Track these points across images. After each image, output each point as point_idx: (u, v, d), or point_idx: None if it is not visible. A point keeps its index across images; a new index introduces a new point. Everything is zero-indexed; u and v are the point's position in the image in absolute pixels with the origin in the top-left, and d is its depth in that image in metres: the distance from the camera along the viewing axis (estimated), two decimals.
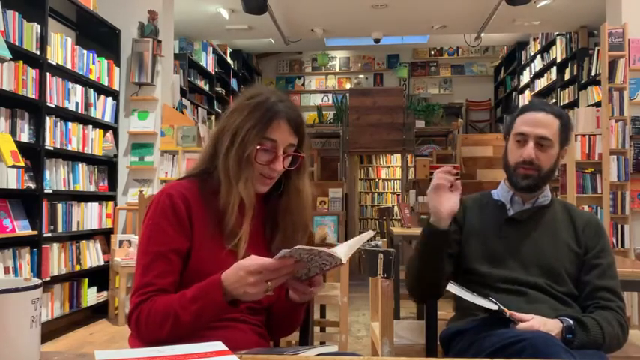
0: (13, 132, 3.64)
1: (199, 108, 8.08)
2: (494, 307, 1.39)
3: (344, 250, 1.13)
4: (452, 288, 1.48)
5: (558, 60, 7.76)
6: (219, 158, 1.29)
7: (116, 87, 4.99)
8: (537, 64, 8.64)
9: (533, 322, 1.42)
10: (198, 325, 1.17)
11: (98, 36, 4.92)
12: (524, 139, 1.63)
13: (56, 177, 4.18)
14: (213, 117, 8.51)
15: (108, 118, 4.90)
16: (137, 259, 1.26)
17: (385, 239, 3.36)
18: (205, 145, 1.39)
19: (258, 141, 1.27)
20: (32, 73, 3.80)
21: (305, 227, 1.36)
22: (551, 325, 1.43)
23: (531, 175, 1.62)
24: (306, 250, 1.09)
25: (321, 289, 1.27)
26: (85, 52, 4.54)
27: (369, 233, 1.23)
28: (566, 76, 7.62)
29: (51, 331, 4.03)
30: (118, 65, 5.03)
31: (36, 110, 3.88)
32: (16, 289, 0.75)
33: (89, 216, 4.59)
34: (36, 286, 0.78)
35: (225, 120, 1.33)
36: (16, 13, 3.66)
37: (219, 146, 1.30)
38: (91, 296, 4.54)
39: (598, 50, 5.67)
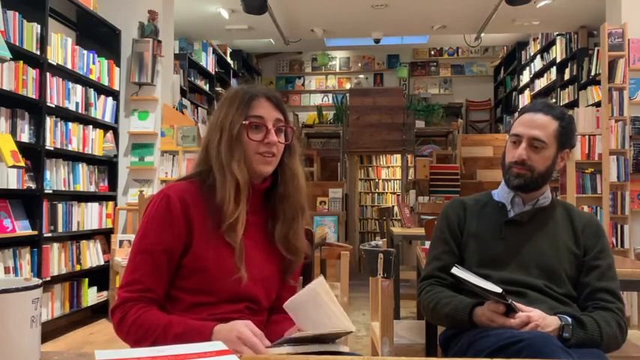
0: (13, 132, 3.64)
1: (199, 108, 8.07)
2: (498, 290, 1.40)
3: (344, 319, 1.15)
4: (456, 271, 1.48)
5: (558, 60, 7.76)
6: (213, 156, 1.33)
7: (116, 87, 4.99)
8: (537, 64, 8.64)
9: (533, 313, 1.43)
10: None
11: (98, 36, 4.92)
12: (519, 139, 1.65)
13: (56, 177, 4.19)
14: None
15: (108, 118, 4.90)
16: (130, 255, 1.29)
17: (385, 239, 3.36)
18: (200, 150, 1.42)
19: (244, 119, 1.32)
20: (32, 73, 3.80)
21: (302, 209, 1.38)
22: (550, 321, 1.44)
23: (523, 174, 1.63)
24: (313, 336, 1.10)
25: None
26: (85, 52, 4.55)
27: (325, 287, 1.19)
28: (566, 76, 7.62)
29: (51, 331, 4.04)
30: (118, 65, 5.03)
31: (36, 110, 3.88)
32: (16, 289, 0.75)
33: (89, 216, 4.59)
34: (36, 286, 0.78)
35: (210, 121, 1.40)
36: (16, 13, 3.66)
37: (210, 145, 1.34)
38: (91, 296, 4.54)
39: (598, 50, 5.67)
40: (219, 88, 9.16)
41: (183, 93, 7.17)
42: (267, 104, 1.34)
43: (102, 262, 4.67)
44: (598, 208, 4.75)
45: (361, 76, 11.00)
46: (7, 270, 3.53)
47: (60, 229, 4.17)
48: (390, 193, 10.83)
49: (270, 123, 1.33)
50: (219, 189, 1.28)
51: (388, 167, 10.93)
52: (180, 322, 1.20)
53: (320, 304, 1.16)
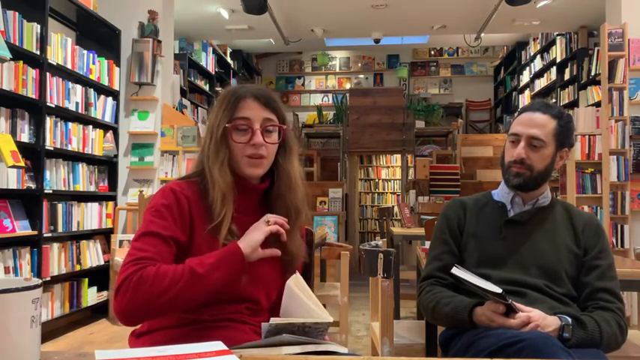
0: (13, 132, 3.64)
1: (199, 108, 8.08)
2: (498, 290, 1.40)
3: (321, 311, 1.16)
4: (456, 271, 1.48)
5: (558, 60, 7.76)
6: (204, 159, 1.33)
7: (116, 87, 4.99)
8: (537, 64, 8.64)
9: (533, 313, 1.43)
10: (212, 281, 1.18)
11: (98, 36, 4.92)
12: (517, 138, 1.65)
13: (56, 177, 4.18)
14: None
15: (108, 118, 4.90)
16: (135, 237, 1.24)
17: (385, 239, 3.36)
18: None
19: (227, 120, 1.31)
20: (32, 73, 3.80)
21: (297, 209, 1.36)
22: (550, 321, 1.44)
23: (523, 173, 1.63)
24: (289, 323, 1.12)
25: None
26: (85, 52, 4.55)
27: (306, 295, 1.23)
28: (566, 76, 7.62)
29: (51, 331, 4.04)
30: (118, 65, 5.03)
31: (36, 110, 3.88)
32: (16, 289, 0.75)
33: (89, 216, 4.59)
34: (36, 286, 0.78)
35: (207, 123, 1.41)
36: (16, 13, 3.66)
37: (203, 147, 1.35)
38: (91, 296, 4.54)
39: (598, 50, 5.67)
40: (219, 88, 9.15)
41: (183, 93, 7.18)
42: (255, 104, 1.32)
43: (102, 262, 4.67)
44: (598, 208, 4.75)
45: (361, 76, 11.00)
46: (7, 270, 3.53)
47: (60, 229, 4.17)
48: (390, 193, 10.83)
49: (256, 124, 1.31)
50: (209, 190, 1.28)
51: (388, 167, 10.93)
52: (196, 262, 1.19)
53: (295, 298, 1.20)
